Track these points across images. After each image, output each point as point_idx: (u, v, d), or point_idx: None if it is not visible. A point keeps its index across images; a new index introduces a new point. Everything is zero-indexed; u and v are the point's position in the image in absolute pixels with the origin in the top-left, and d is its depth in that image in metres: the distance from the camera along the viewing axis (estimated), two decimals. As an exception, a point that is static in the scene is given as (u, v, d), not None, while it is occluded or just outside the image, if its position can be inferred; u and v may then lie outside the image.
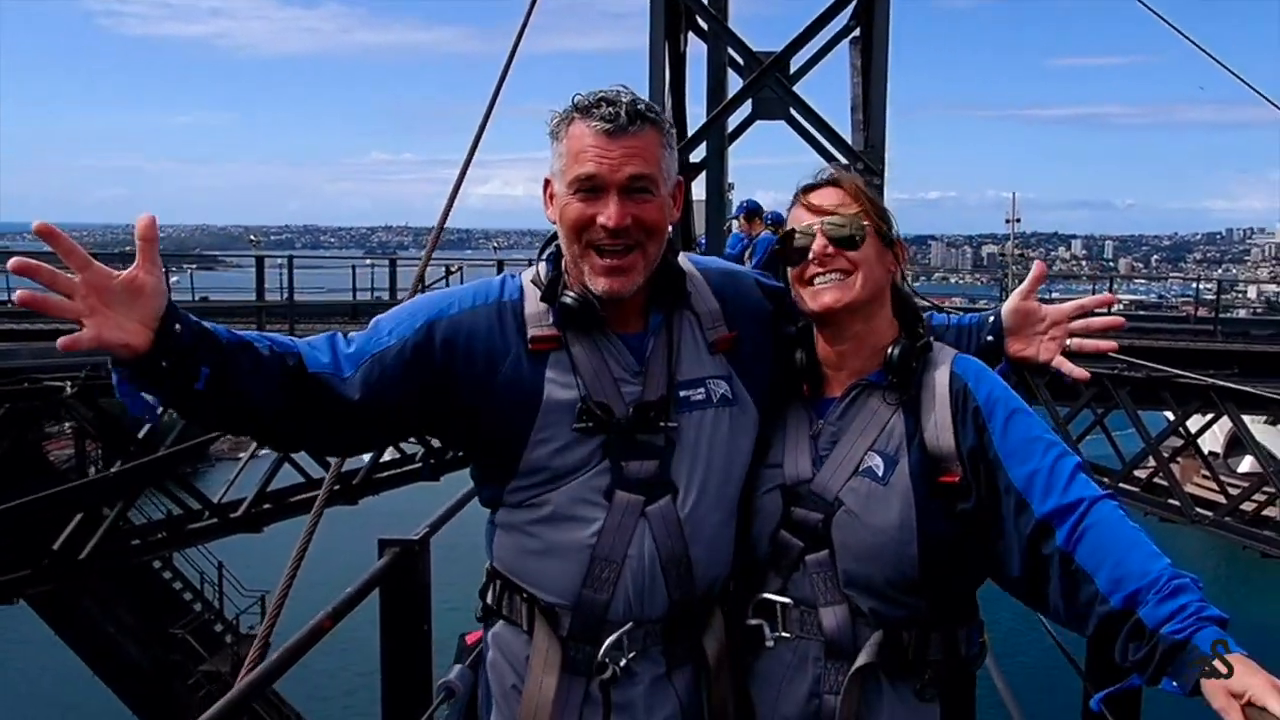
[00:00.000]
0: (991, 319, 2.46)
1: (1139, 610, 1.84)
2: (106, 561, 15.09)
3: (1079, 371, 2.40)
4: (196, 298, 23.13)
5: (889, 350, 2.16)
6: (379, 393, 2.01)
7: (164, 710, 16.39)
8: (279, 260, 19.56)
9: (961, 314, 2.53)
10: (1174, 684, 1.77)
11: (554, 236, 2.14)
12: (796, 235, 2.15)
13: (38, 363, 14.34)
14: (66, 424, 16.84)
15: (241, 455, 19.28)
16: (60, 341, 1.67)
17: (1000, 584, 2.15)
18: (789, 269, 2.18)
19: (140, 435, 15.55)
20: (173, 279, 23.29)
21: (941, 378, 2.14)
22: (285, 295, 18.18)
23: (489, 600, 2.19)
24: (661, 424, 2.06)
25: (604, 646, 2.06)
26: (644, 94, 2.13)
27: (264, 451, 18.06)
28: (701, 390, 2.12)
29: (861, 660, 2.07)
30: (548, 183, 2.09)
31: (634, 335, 2.11)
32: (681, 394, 2.10)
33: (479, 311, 2.08)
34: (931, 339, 2.21)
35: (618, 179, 1.97)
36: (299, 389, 1.98)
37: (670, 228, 2.13)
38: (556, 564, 2.06)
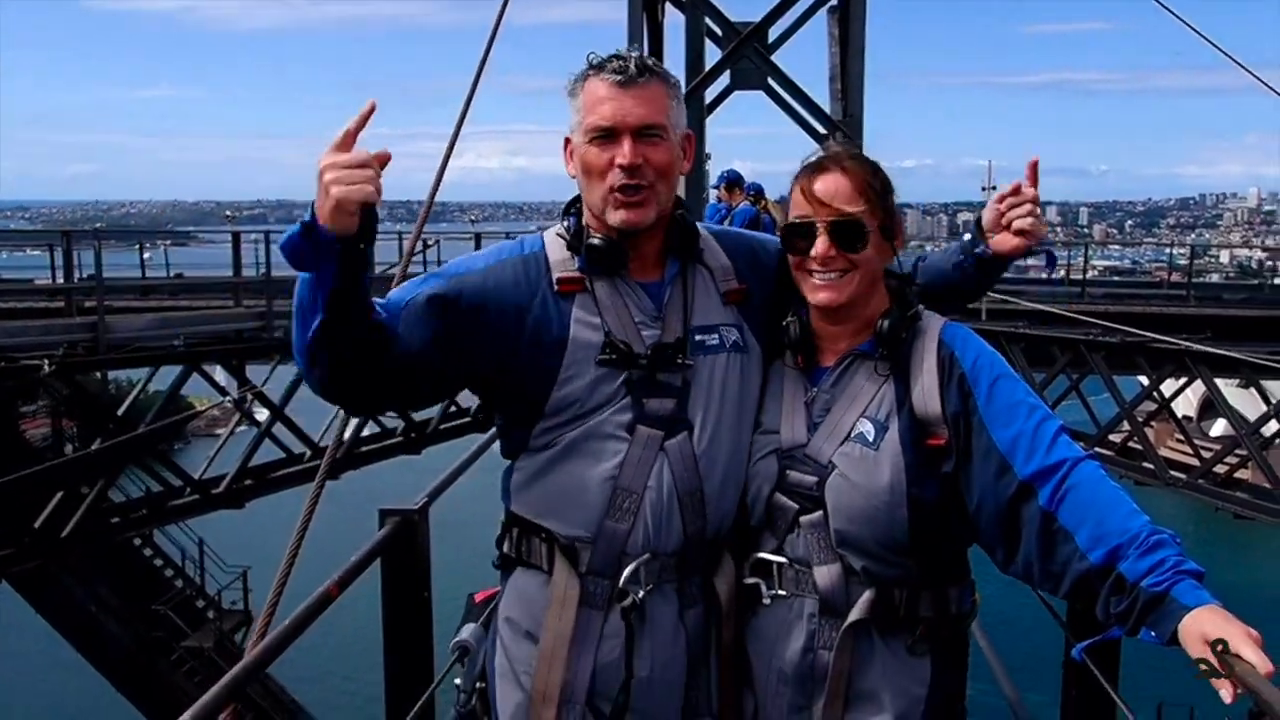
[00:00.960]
0: (970, 234, 2.50)
1: (1119, 565, 1.92)
2: (88, 539, 15.04)
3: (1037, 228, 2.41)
4: (171, 274, 22.94)
5: (880, 323, 2.22)
6: (413, 340, 2.13)
7: (148, 687, 16.37)
8: (254, 236, 19.39)
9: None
10: (1152, 634, 1.85)
11: (573, 201, 2.30)
12: (799, 228, 2.19)
13: (13, 341, 14.21)
14: (41, 403, 16.72)
15: (220, 432, 19.22)
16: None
17: (978, 542, 2.23)
18: (789, 255, 2.23)
19: (119, 412, 15.49)
20: (146, 255, 23.11)
21: (930, 344, 2.21)
22: (262, 271, 18.03)
23: (505, 549, 2.31)
24: (679, 362, 2.21)
25: (624, 574, 2.18)
26: None
27: (242, 428, 18.02)
28: (715, 336, 2.27)
29: (854, 616, 2.15)
30: (567, 141, 2.25)
31: (653, 283, 2.27)
32: (697, 338, 2.25)
33: (505, 264, 2.24)
34: (921, 309, 2.27)
35: (630, 123, 2.13)
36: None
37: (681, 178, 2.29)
38: (580, 496, 2.18)
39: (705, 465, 2.21)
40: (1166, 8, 10.09)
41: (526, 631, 2.26)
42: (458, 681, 2.45)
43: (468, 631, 2.47)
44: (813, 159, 2.25)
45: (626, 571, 2.18)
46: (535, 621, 2.23)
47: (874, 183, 2.21)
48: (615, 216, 2.17)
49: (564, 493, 2.21)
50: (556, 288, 2.21)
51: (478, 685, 2.40)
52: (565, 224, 2.29)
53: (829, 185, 2.18)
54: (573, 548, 2.21)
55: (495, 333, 2.18)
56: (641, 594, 2.18)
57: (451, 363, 2.20)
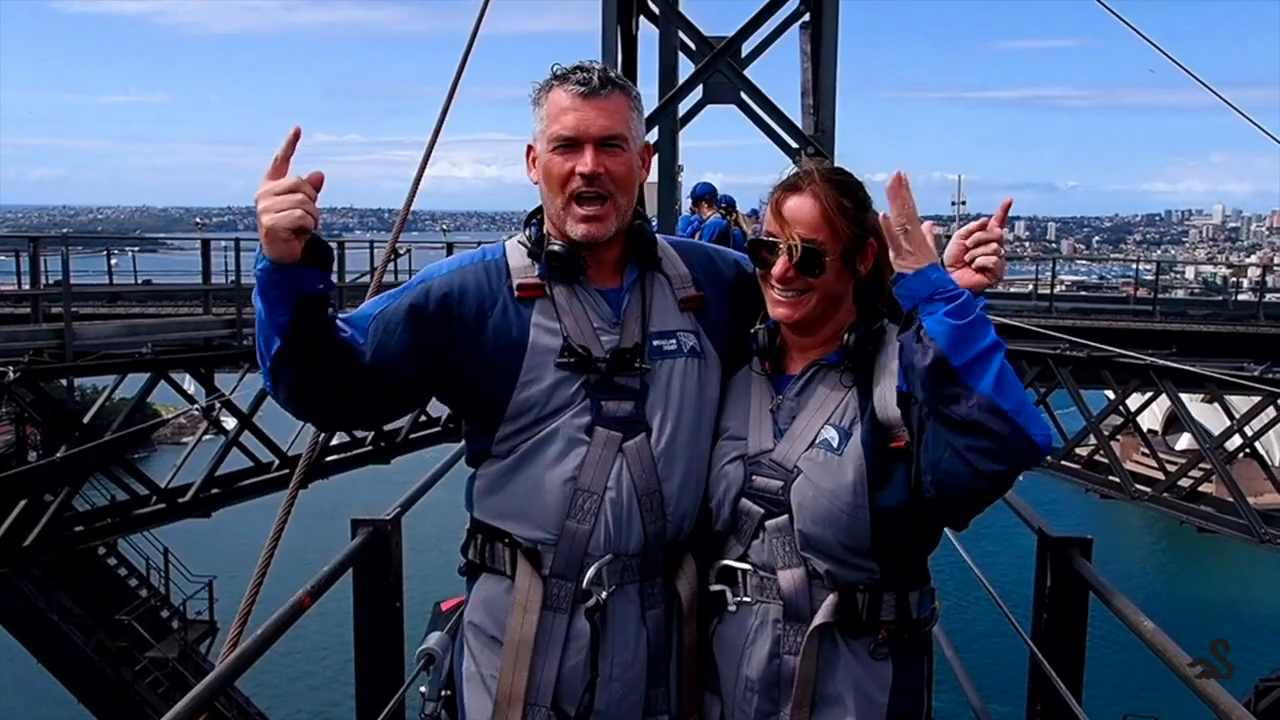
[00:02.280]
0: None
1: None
2: (51, 548, 14.84)
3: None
4: (139, 281, 22.72)
5: (846, 337, 2.27)
6: (383, 352, 2.20)
7: (111, 698, 16.18)
8: (224, 243, 19.23)
9: None
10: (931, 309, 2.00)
11: (534, 211, 2.37)
12: (764, 244, 2.26)
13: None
14: (5, 409, 16.49)
15: (187, 440, 19.02)
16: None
17: (950, 524, 2.31)
18: (756, 269, 2.31)
19: (85, 420, 15.31)
20: (114, 261, 22.88)
21: (892, 351, 2.24)
22: (231, 278, 17.89)
23: (470, 555, 2.35)
24: (636, 365, 2.27)
25: (587, 576, 2.22)
26: None
27: (209, 436, 17.84)
28: (673, 341, 2.33)
29: (818, 620, 2.19)
30: (530, 149, 2.31)
31: (611, 290, 2.33)
32: (655, 343, 2.31)
33: (468, 270, 2.30)
34: (885, 321, 2.31)
35: (592, 134, 2.20)
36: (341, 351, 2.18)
37: (640, 185, 2.36)
38: (541, 498, 2.23)
39: (664, 466, 2.26)
40: (1131, 26, 10.25)
41: (492, 636, 2.29)
42: (423, 689, 2.46)
43: (434, 640, 2.49)
44: (789, 177, 2.29)
45: (590, 572, 2.21)
46: (500, 626, 2.26)
47: (845, 204, 2.25)
48: (576, 230, 2.23)
49: (525, 496, 2.25)
50: (516, 293, 2.27)
51: (444, 693, 2.42)
52: (527, 233, 2.35)
53: (796, 208, 2.24)
54: (535, 550, 2.25)
55: (460, 337, 2.24)
56: (604, 594, 2.22)
57: (422, 372, 2.25)
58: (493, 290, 2.28)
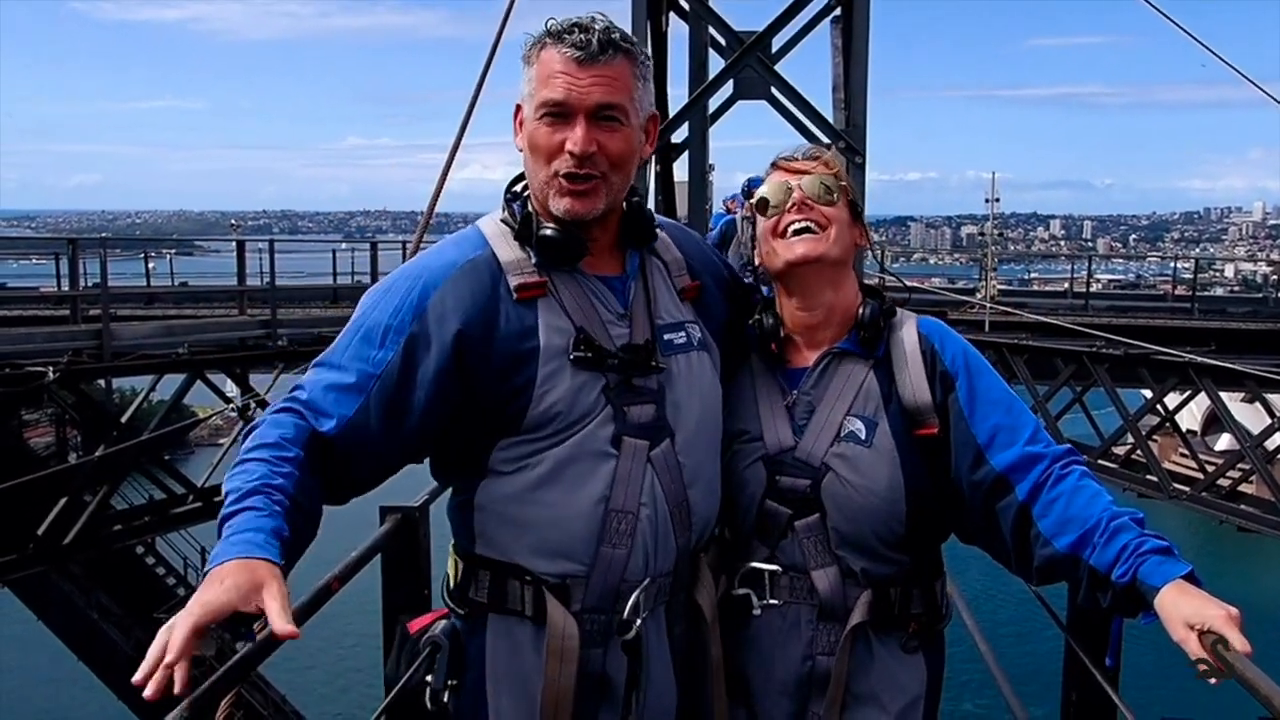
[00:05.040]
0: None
1: (1087, 556, 1.96)
2: (90, 547, 15.01)
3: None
4: (176, 282, 23.02)
5: (860, 311, 2.24)
6: (399, 408, 1.95)
7: (149, 695, 16.33)
8: (259, 245, 19.46)
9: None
10: (1146, 618, 1.87)
11: (515, 179, 2.13)
12: (774, 189, 2.22)
13: (18, 348, 14.24)
14: (45, 411, 16.72)
15: (223, 441, 19.20)
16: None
17: (958, 534, 2.27)
18: (762, 220, 2.24)
19: (123, 420, 15.50)
20: (151, 264, 23.18)
21: (910, 337, 2.23)
22: (266, 280, 18.09)
23: (474, 595, 2.06)
24: (653, 363, 2.05)
25: (629, 604, 2.01)
26: None
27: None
28: (682, 334, 2.14)
29: (856, 619, 2.15)
30: (518, 109, 2.05)
31: (614, 278, 2.10)
32: (665, 337, 2.11)
33: (458, 277, 2.00)
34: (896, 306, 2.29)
35: (585, 105, 1.94)
36: (332, 466, 1.94)
37: (639, 161, 2.11)
38: (570, 525, 1.98)
39: (689, 473, 2.08)
40: (1174, 22, 10.12)
41: (519, 687, 2.02)
42: (429, 678, 2.09)
43: (439, 628, 2.14)
44: (784, 152, 2.29)
45: (632, 599, 2.01)
46: (528, 675, 2.01)
47: (840, 169, 2.27)
48: (559, 204, 1.98)
49: (549, 524, 1.99)
50: (516, 295, 2.00)
51: (450, 682, 2.07)
52: (509, 211, 2.09)
53: (803, 163, 2.25)
54: (564, 585, 2.00)
55: (469, 351, 1.96)
56: (639, 622, 2.02)
57: (442, 407, 1.98)
58: (492, 293, 1.99)
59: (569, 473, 1.99)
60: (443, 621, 2.13)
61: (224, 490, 1.83)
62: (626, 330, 2.06)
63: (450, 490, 2.16)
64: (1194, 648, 1.73)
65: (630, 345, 2.05)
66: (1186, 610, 1.77)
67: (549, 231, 2.01)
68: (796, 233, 2.18)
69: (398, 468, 2.08)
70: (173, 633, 1.57)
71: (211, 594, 1.59)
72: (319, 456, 1.90)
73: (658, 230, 2.19)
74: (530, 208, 2.06)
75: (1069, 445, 2.13)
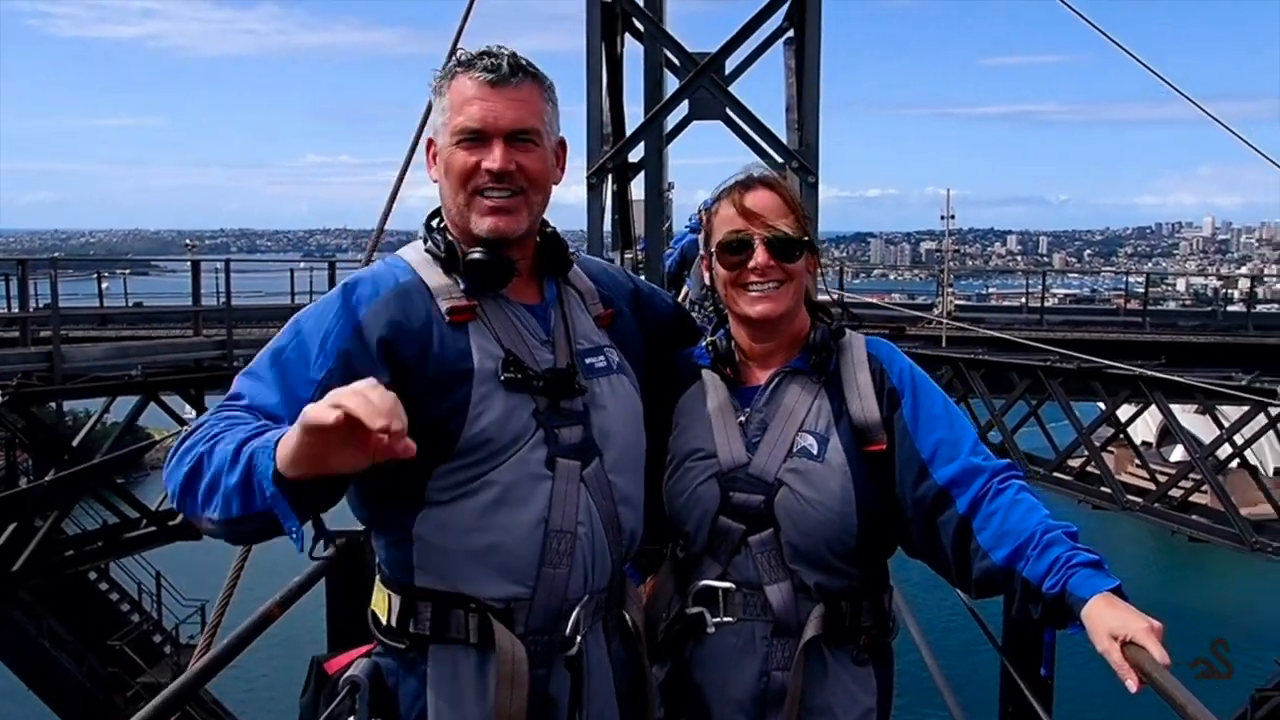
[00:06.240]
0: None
1: (1020, 568, 2.01)
2: (41, 573, 14.76)
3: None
4: (130, 303, 22.73)
5: (810, 335, 2.29)
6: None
7: (103, 724, 16.06)
8: (216, 264, 19.27)
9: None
10: (1074, 628, 1.92)
11: (433, 214, 2.15)
12: (735, 242, 2.24)
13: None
14: (-5, 434, 16.45)
15: (179, 463, 18.83)
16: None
17: (904, 547, 2.31)
18: (725, 271, 2.27)
19: (75, 443, 15.28)
20: (105, 284, 22.87)
21: (859, 356, 2.29)
22: (222, 300, 17.92)
23: (414, 628, 2.03)
24: (577, 385, 2.09)
25: (570, 622, 2.03)
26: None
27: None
28: (601, 358, 2.19)
29: (810, 633, 2.19)
30: (430, 143, 2.10)
31: (535, 305, 2.15)
32: (586, 361, 2.15)
33: (390, 299, 2.00)
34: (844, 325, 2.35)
35: (501, 127, 2.00)
36: None
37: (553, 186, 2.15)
38: (513, 548, 1.99)
39: (619, 491, 2.13)
40: (1118, 44, 10.31)
41: (463, 717, 2.00)
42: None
43: (359, 667, 2.08)
44: (740, 177, 2.31)
45: (574, 616, 2.04)
46: (472, 704, 2.00)
47: (796, 198, 2.31)
48: (483, 224, 2.03)
49: (493, 550, 1.99)
50: (448, 319, 2.01)
51: None
52: (430, 242, 2.11)
53: (761, 200, 2.26)
54: (508, 610, 2.01)
55: (408, 375, 1.95)
56: (580, 639, 2.05)
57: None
58: (424, 317, 2.00)
59: (508, 496, 2.00)
60: (363, 660, 2.09)
61: (175, 479, 1.78)
62: (550, 355, 2.10)
63: (377, 526, 2.11)
64: (1116, 658, 1.79)
65: (554, 369, 2.08)
66: (1111, 622, 1.83)
67: (477, 255, 2.04)
68: (759, 289, 2.23)
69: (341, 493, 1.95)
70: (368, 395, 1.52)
71: (353, 399, 1.52)
72: None
73: (572, 260, 2.23)
74: (450, 237, 2.08)
75: (1008, 460, 2.19)
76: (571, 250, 2.26)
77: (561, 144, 2.16)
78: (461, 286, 2.05)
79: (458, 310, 2.02)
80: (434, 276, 2.06)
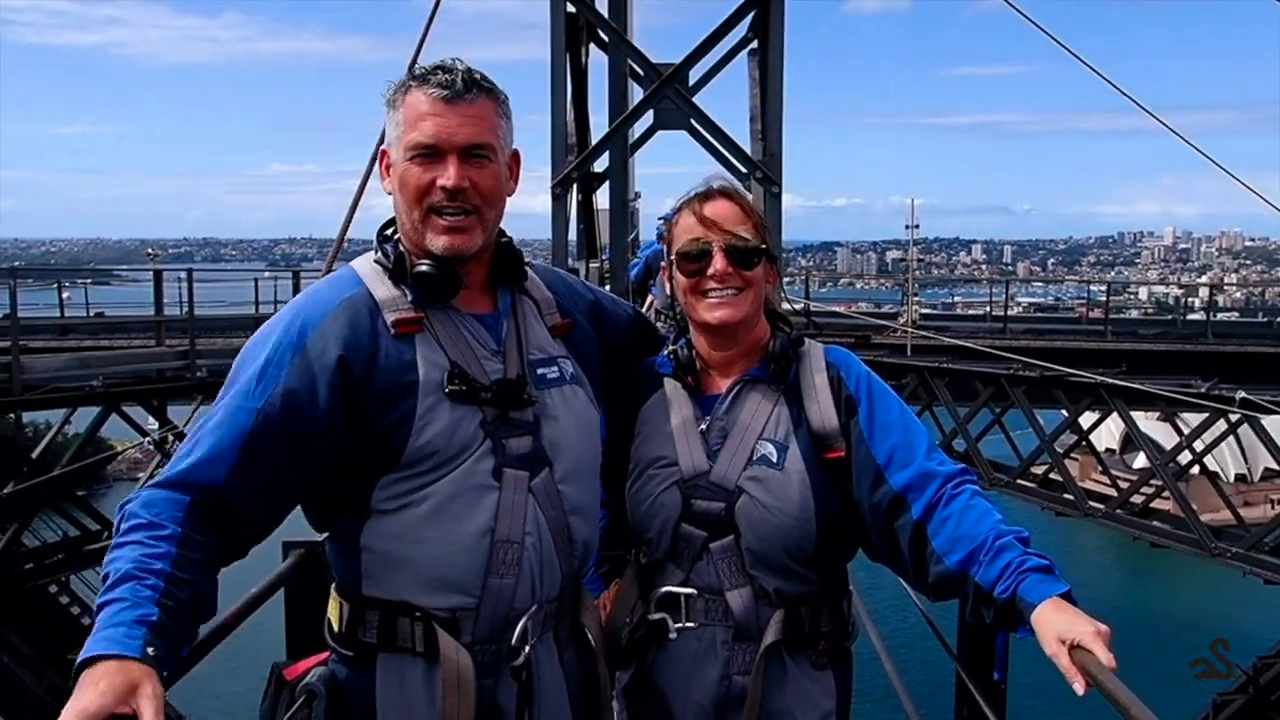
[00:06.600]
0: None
1: (973, 573, 2.05)
2: (1, 586, 14.55)
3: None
4: (91, 313, 22.45)
5: (770, 344, 2.32)
6: (288, 444, 1.92)
7: (64, 739, 15.81)
8: (179, 274, 19.09)
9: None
10: (1024, 632, 1.96)
11: (387, 224, 2.16)
12: (693, 250, 2.28)
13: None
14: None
15: (141, 475, 18.73)
16: None
17: (866, 552, 2.35)
18: (684, 278, 2.30)
19: (34, 455, 15.08)
20: (66, 294, 22.58)
21: (818, 365, 2.32)
22: (185, 310, 17.75)
23: (363, 636, 2.04)
24: (526, 395, 2.09)
25: (517, 631, 2.03)
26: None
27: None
28: (554, 368, 2.18)
29: (770, 638, 2.22)
30: (383, 154, 2.11)
31: (488, 315, 2.15)
32: (538, 371, 2.15)
33: (336, 314, 2.00)
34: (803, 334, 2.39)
35: (456, 143, 2.00)
36: (227, 521, 1.90)
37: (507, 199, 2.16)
38: (457, 558, 1.99)
39: (569, 501, 2.12)
40: (1076, 55, 10.46)
41: None
42: None
43: (314, 675, 2.09)
44: (699, 188, 2.35)
45: (520, 625, 2.04)
46: (420, 713, 2.00)
47: (753, 208, 2.35)
48: (438, 242, 2.03)
49: (437, 560, 1.99)
50: (394, 331, 2.02)
51: None
52: (382, 253, 2.11)
53: (720, 209, 2.30)
54: (454, 619, 2.01)
55: (352, 389, 1.96)
56: (527, 649, 2.05)
57: (339, 440, 1.97)
58: (370, 330, 2.00)
59: (453, 507, 2.00)
60: (320, 668, 2.11)
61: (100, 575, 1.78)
62: (501, 365, 2.10)
63: (328, 534, 2.14)
64: (1064, 661, 1.82)
65: (503, 380, 2.08)
66: (1059, 626, 1.86)
67: (425, 268, 2.04)
68: (718, 295, 2.27)
69: (290, 508, 2.06)
70: None
71: (87, 699, 1.55)
72: (206, 521, 1.86)
73: (528, 269, 2.24)
74: (402, 248, 2.09)
75: (962, 465, 2.23)
76: (528, 260, 2.27)
77: (515, 156, 2.16)
78: (409, 298, 2.05)
79: (403, 323, 2.03)
80: (382, 288, 2.06)
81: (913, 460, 2.18)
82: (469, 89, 2.01)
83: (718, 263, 2.25)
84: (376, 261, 2.11)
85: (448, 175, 2.00)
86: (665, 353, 2.40)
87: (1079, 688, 1.79)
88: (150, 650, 1.62)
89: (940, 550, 2.09)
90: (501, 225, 2.18)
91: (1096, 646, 1.80)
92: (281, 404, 1.92)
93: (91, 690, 1.56)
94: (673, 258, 2.33)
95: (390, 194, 2.10)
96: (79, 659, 1.61)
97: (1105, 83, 10.35)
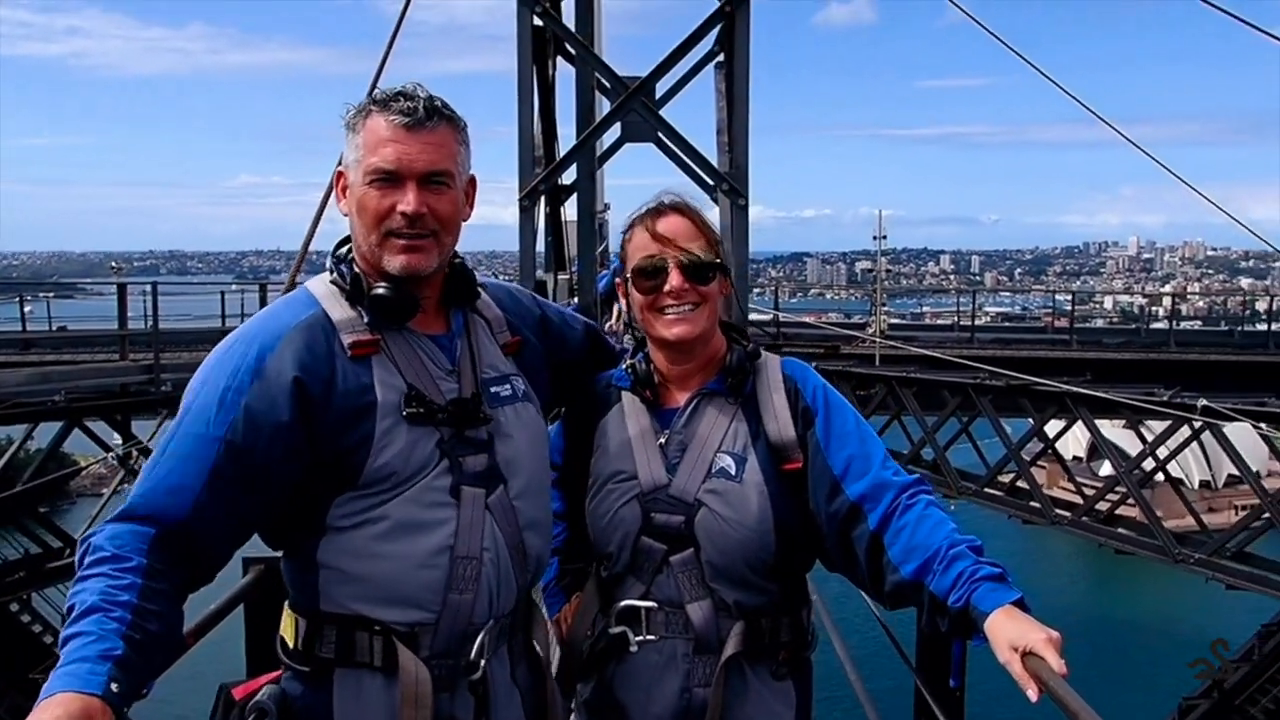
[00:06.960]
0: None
1: (928, 582, 2.07)
2: (-40, 605, 14.34)
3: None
4: (54, 327, 22.21)
5: (727, 358, 2.34)
6: (248, 469, 1.93)
7: (26, 760, 15.58)
8: (144, 287, 18.92)
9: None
10: (977, 640, 1.98)
11: (342, 241, 2.18)
12: (649, 267, 2.29)
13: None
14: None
15: (104, 491, 18.52)
16: None
17: (824, 562, 2.38)
18: (640, 295, 2.32)
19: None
20: (28, 308, 22.32)
21: (775, 377, 2.34)
22: (149, 323, 17.58)
23: (320, 651, 2.04)
24: (481, 414, 2.11)
25: (475, 645, 2.05)
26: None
27: (126, 486, 17.43)
28: (507, 386, 2.21)
29: (730, 650, 2.24)
30: (340, 175, 2.13)
31: (441, 336, 2.17)
32: (492, 390, 2.17)
33: (292, 336, 2.01)
34: (761, 348, 2.40)
35: (416, 170, 2.03)
36: (192, 550, 1.90)
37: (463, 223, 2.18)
38: (417, 575, 2.01)
39: (524, 516, 2.15)
40: (1035, 67, 10.58)
41: None
42: None
43: (265, 693, 2.09)
44: (651, 204, 2.37)
45: (479, 640, 2.06)
46: None
47: (707, 222, 2.36)
48: (395, 262, 2.05)
49: (397, 576, 2.00)
50: (351, 353, 2.03)
51: None
52: (336, 273, 2.13)
53: (673, 225, 2.32)
54: (412, 634, 2.02)
55: (311, 413, 1.97)
56: (484, 663, 2.07)
57: (300, 462, 1.97)
58: (327, 353, 2.01)
59: (412, 524, 2.02)
60: (270, 686, 2.11)
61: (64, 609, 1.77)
62: (456, 385, 2.12)
63: (284, 551, 2.15)
64: (1017, 669, 1.85)
65: (459, 399, 2.10)
66: (1012, 633, 1.89)
67: (382, 290, 2.06)
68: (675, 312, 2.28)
69: (254, 533, 2.07)
70: None
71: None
72: (171, 553, 1.86)
73: (480, 289, 2.27)
74: (357, 269, 2.10)
75: (918, 475, 2.25)
76: (480, 279, 2.30)
77: (472, 182, 2.19)
78: (365, 320, 2.07)
79: (360, 344, 2.04)
80: (338, 309, 2.08)
81: (869, 470, 2.21)
82: (430, 116, 2.04)
83: (673, 279, 2.27)
84: (333, 282, 2.12)
85: (407, 201, 2.02)
86: (623, 367, 2.42)
87: (1032, 694, 1.82)
88: (114, 687, 1.61)
89: (896, 560, 2.12)
90: (460, 242, 2.19)
91: (1048, 653, 1.83)
92: (244, 430, 1.92)
93: (46, 715, 1.54)
94: (628, 275, 2.35)
95: (346, 215, 2.12)
96: (40, 695, 1.59)
97: (1066, 95, 10.49)
